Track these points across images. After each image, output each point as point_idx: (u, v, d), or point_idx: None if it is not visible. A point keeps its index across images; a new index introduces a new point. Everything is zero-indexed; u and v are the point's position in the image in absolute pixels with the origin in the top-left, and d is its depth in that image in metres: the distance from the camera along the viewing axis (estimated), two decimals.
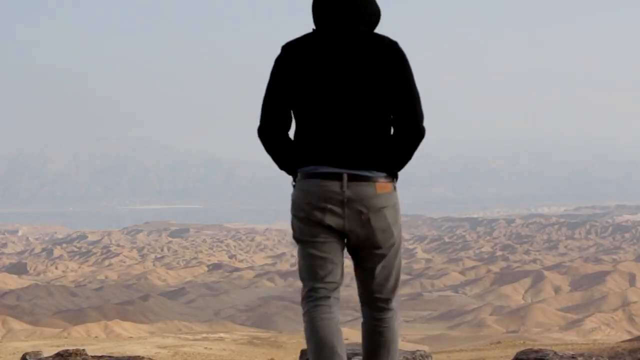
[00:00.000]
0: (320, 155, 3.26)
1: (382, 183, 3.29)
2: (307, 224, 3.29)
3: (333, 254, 3.32)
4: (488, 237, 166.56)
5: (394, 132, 3.31)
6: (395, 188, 3.36)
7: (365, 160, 3.25)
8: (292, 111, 3.34)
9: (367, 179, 3.25)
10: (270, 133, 3.33)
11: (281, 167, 3.43)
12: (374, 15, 3.36)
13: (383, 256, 3.35)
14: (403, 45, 3.38)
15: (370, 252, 3.34)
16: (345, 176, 3.23)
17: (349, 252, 3.41)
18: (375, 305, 3.44)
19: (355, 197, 3.24)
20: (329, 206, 3.24)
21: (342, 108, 3.24)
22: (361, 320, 3.54)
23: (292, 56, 3.29)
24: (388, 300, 3.45)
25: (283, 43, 3.36)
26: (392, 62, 3.25)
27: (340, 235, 3.31)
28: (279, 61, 3.30)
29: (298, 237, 3.35)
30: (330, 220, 3.26)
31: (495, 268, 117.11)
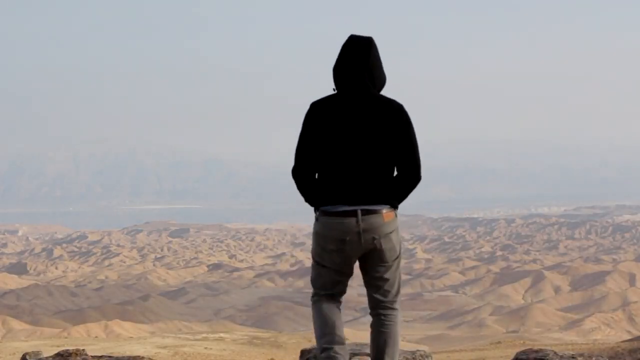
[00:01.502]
0: (339, 196, 4.24)
1: (386, 213, 4.30)
2: (329, 253, 4.31)
3: (344, 275, 4.38)
4: (488, 237, 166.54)
5: (397, 175, 4.33)
6: (396, 215, 4.39)
7: (374, 197, 4.25)
8: (318, 156, 4.30)
9: (375, 212, 4.26)
10: (302, 174, 4.33)
11: (307, 201, 4.39)
12: (382, 81, 4.37)
13: (388, 269, 4.38)
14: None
15: (379, 266, 4.36)
16: (359, 212, 4.23)
17: (361, 267, 4.43)
18: (382, 306, 4.41)
19: (368, 227, 4.25)
20: (348, 238, 4.24)
21: (356, 157, 4.22)
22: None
23: (318, 113, 4.27)
24: (393, 302, 4.42)
25: (313, 100, 4.35)
26: (399, 122, 4.26)
27: (353, 258, 4.33)
28: (308, 116, 4.30)
29: (318, 261, 4.38)
30: (349, 248, 4.27)
31: (495, 268, 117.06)
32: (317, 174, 4.35)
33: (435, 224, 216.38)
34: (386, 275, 4.37)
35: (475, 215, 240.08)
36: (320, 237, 4.32)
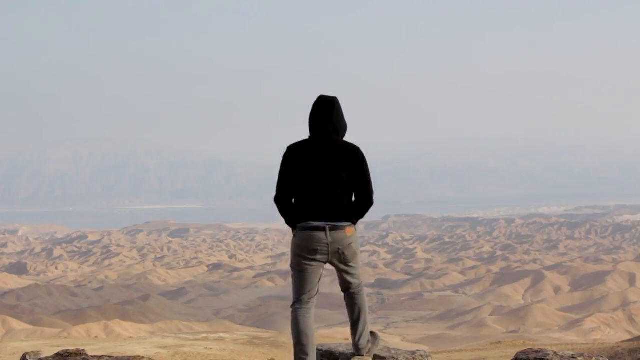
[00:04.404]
0: (311, 214, 5.73)
1: (348, 229, 5.77)
2: (303, 259, 5.76)
3: (315, 277, 5.81)
4: (488, 237, 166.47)
5: (355, 200, 5.83)
6: (356, 229, 5.85)
7: (338, 216, 5.73)
8: (294, 186, 5.77)
9: (340, 228, 5.74)
10: (282, 201, 5.81)
11: (287, 222, 5.82)
12: (344, 130, 5.90)
13: (351, 266, 5.88)
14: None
15: (345, 266, 5.86)
16: (327, 227, 5.72)
17: (332, 265, 5.86)
18: (349, 289, 5.97)
19: (334, 240, 5.74)
20: (318, 247, 5.73)
21: (324, 186, 5.71)
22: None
23: (293, 154, 5.77)
24: (358, 286, 5.96)
25: (289, 144, 5.87)
26: (354, 161, 5.75)
27: (323, 264, 5.80)
28: (286, 156, 5.81)
29: (295, 267, 5.81)
30: (319, 256, 5.75)
31: (495, 268, 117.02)
32: (294, 200, 5.82)
33: (435, 224, 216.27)
34: (350, 270, 5.87)
35: (475, 215, 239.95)
36: (298, 247, 5.76)
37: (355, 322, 6.00)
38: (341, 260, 5.80)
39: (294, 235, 5.80)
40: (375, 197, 5.88)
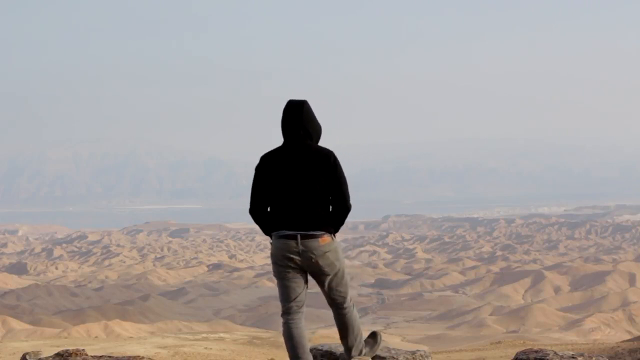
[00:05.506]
0: (284, 223, 5.58)
1: (323, 237, 5.56)
2: (280, 267, 5.63)
3: (299, 284, 5.66)
4: (488, 237, 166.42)
5: (331, 208, 5.63)
6: (333, 239, 5.62)
7: (312, 225, 5.54)
8: (268, 196, 5.63)
9: (313, 236, 5.54)
10: (257, 212, 5.70)
11: (264, 231, 5.75)
12: (318, 133, 5.69)
13: (332, 280, 5.67)
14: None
15: (324, 277, 5.65)
16: (298, 236, 5.54)
17: (313, 278, 5.70)
18: (335, 306, 5.78)
19: (306, 249, 5.55)
20: (291, 256, 5.57)
21: (298, 194, 5.54)
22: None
23: (267, 163, 5.62)
24: (342, 303, 5.75)
25: (262, 153, 5.72)
26: (327, 165, 5.55)
27: (302, 271, 5.64)
28: (258, 166, 5.66)
29: (276, 276, 5.69)
30: (293, 264, 5.59)
31: (495, 268, 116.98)
32: (270, 209, 5.67)
33: (435, 224, 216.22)
34: (331, 285, 5.67)
35: (475, 215, 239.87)
36: (274, 256, 5.65)
37: (342, 338, 5.86)
38: (319, 271, 5.60)
39: (271, 244, 5.69)
40: (352, 202, 5.68)
